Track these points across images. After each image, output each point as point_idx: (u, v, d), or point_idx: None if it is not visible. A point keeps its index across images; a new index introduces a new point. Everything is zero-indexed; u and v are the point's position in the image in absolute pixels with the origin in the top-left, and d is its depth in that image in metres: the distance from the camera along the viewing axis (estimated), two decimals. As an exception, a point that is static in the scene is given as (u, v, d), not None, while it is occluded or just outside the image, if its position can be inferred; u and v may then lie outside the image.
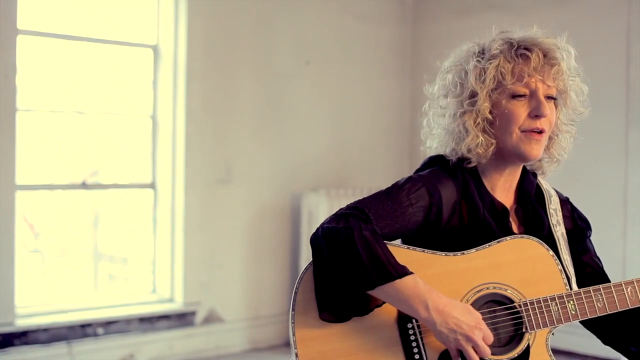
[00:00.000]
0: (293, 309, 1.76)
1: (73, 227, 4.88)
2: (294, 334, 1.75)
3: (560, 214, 1.99)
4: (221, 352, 5.01)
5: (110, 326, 4.62)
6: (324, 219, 1.79)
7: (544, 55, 1.82)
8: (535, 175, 2.00)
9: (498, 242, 1.80)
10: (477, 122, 1.82)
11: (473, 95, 1.82)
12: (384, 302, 1.74)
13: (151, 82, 4.98)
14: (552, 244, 1.90)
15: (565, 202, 2.04)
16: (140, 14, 4.94)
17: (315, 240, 1.74)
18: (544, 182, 2.04)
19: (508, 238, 1.81)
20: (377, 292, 1.69)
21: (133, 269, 5.12)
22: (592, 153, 5.08)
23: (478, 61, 1.83)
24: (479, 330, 1.67)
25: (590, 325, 2.01)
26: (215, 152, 5.02)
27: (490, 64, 1.80)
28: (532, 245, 1.81)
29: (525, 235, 1.82)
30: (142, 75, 4.99)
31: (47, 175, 4.70)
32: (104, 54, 4.86)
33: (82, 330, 4.52)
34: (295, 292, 1.77)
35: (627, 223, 4.85)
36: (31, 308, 4.49)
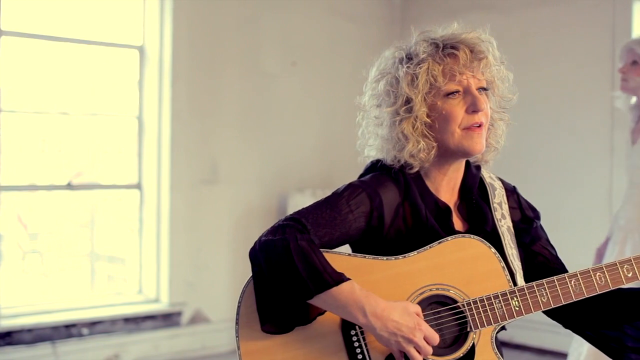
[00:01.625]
0: (237, 323, 1.76)
1: (61, 227, 4.90)
2: (239, 348, 1.75)
3: (505, 206, 1.98)
4: (207, 352, 5.02)
5: (95, 326, 4.64)
6: (262, 232, 1.80)
7: (471, 51, 1.82)
8: (478, 168, 1.99)
9: (439, 243, 1.80)
10: (416, 127, 1.82)
11: (408, 101, 1.82)
12: (326, 310, 1.74)
13: (137, 83, 5.00)
14: (496, 239, 1.90)
15: (512, 193, 2.02)
16: (126, 15, 4.96)
17: (254, 254, 1.74)
18: (487, 175, 2.02)
19: (449, 238, 1.80)
20: (315, 301, 1.69)
21: (119, 269, 5.14)
22: (578, 152, 5.08)
23: (408, 67, 1.82)
24: (419, 331, 1.67)
25: (551, 313, 2.02)
26: (201, 152, 5.03)
27: (420, 68, 1.80)
28: (473, 244, 1.80)
29: (466, 234, 1.82)
30: (128, 76, 5.01)
31: (31, 176, 4.72)
32: (89, 55, 4.88)
33: (67, 331, 4.54)
34: (239, 306, 1.77)
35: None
36: (15, 308, 4.51)
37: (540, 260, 1.98)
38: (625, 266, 1.83)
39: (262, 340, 1.74)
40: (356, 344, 1.74)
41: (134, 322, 4.79)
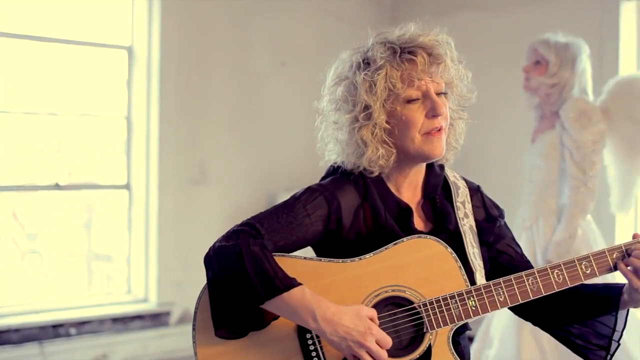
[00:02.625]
0: (194, 329, 1.78)
1: (55, 227, 4.91)
2: (196, 354, 1.76)
3: (469, 205, 1.98)
4: (195, 352, 5.03)
5: (83, 326, 4.66)
6: (217, 238, 1.80)
7: (429, 55, 1.82)
8: (442, 167, 1.99)
9: (395, 244, 1.80)
10: (375, 133, 1.82)
11: (366, 108, 1.81)
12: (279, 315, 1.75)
13: (126, 84, 5.01)
14: (459, 238, 1.90)
15: (475, 192, 2.02)
16: (115, 16, 4.97)
17: (208, 259, 1.75)
18: (451, 175, 2.02)
19: (405, 239, 1.80)
20: (268, 306, 1.70)
21: (109, 269, 5.15)
22: (565, 152, 5.07)
23: (365, 74, 1.81)
24: (370, 335, 1.67)
25: (518, 311, 2.03)
26: (189, 152, 5.04)
27: (379, 75, 1.79)
28: (429, 244, 1.80)
29: (422, 235, 1.82)
30: (117, 76, 5.02)
31: (18, 177, 4.74)
32: (78, 56, 4.89)
33: (54, 331, 4.55)
34: (195, 312, 1.79)
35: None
36: (3, 308, 4.53)
37: (505, 258, 1.99)
38: (584, 263, 1.83)
39: (219, 346, 1.75)
40: (312, 347, 1.75)
41: (122, 322, 4.80)
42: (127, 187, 5.02)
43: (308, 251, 1.94)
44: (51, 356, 4.50)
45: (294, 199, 1.86)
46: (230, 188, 5.20)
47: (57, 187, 4.78)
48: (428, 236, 1.82)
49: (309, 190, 1.88)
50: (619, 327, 1.91)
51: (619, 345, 1.94)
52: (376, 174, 1.87)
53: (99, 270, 5.16)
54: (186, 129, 5.01)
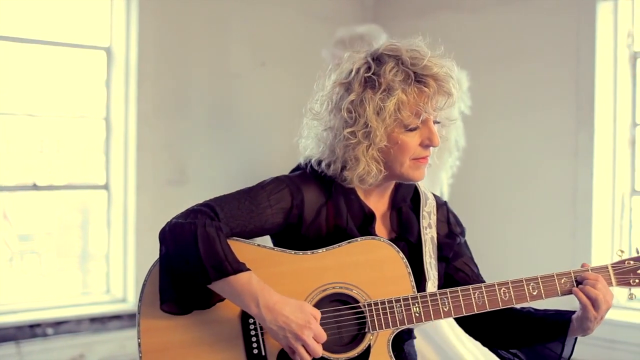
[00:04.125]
0: (140, 301, 1.80)
1: (25, 227, 4.91)
2: (139, 324, 1.79)
3: (434, 217, 2.02)
4: (174, 352, 5.02)
5: (60, 326, 4.65)
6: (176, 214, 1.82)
7: (439, 87, 1.83)
8: None
9: (348, 242, 1.82)
10: (370, 152, 1.84)
11: (368, 126, 1.82)
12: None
13: (104, 84, 5.01)
14: (419, 247, 1.93)
15: (441, 206, 2.07)
16: (94, 16, 4.97)
17: (163, 234, 1.79)
18: (422, 185, 2.06)
19: (359, 239, 1.83)
20: (214, 287, 1.73)
21: (87, 268, 5.15)
22: (542, 153, 5.09)
23: (375, 93, 1.81)
24: (308, 330, 1.69)
25: (468, 328, 2.04)
26: (168, 152, 5.04)
27: (390, 101, 1.80)
28: (382, 247, 1.83)
29: (376, 237, 1.84)
30: (96, 77, 5.02)
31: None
32: (56, 57, 4.89)
33: (31, 331, 4.55)
34: (144, 284, 1.81)
35: (576, 223, 4.86)
36: (-21, 308, 4.53)
37: (461, 276, 2.03)
38: (532, 284, 1.85)
39: (163, 320, 1.78)
40: (253, 333, 1.78)
41: (100, 322, 4.80)
42: (105, 187, 5.02)
43: (266, 240, 1.96)
44: (28, 356, 4.50)
45: (260, 186, 1.89)
46: (209, 188, 5.18)
47: (35, 187, 4.78)
48: (382, 239, 1.85)
49: (276, 180, 1.91)
50: (565, 354, 1.93)
51: None
52: (355, 185, 1.89)
53: (84, 270, 5.15)
54: (165, 130, 5.01)
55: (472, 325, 2.03)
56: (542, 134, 5.09)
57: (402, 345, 1.94)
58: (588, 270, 1.87)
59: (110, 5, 4.96)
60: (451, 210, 2.08)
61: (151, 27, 4.91)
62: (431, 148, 1.89)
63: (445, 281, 2.02)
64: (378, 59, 1.87)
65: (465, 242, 2.07)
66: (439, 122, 1.90)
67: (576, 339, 1.94)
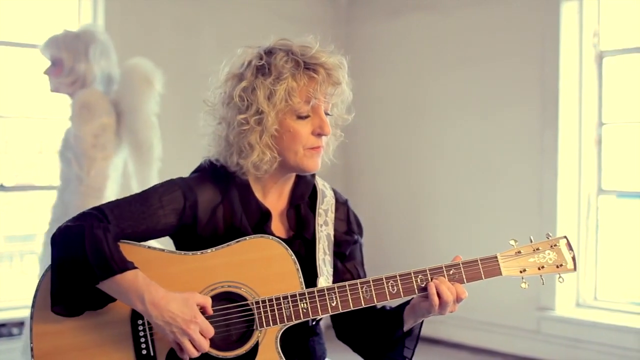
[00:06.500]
0: (33, 306, 1.82)
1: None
2: (31, 329, 1.80)
3: (331, 215, 2.03)
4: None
5: (25, 326, 4.67)
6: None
7: (329, 76, 1.87)
8: (313, 175, 2.05)
9: (238, 241, 1.84)
10: (263, 138, 1.87)
11: (260, 113, 1.86)
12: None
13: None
14: (313, 244, 1.94)
15: (342, 205, 2.09)
16: (61, 18, 4.99)
17: (53, 238, 1.80)
18: (321, 183, 2.08)
19: (248, 238, 1.85)
20: (102, 287, 1.74)
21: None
22: (508, 152, 5.11)
23: (266, 79, 1.85)
24: (194, 324, 1.71)
25: (341, 334, 2.09)
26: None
27: (280, 85, 1.84)
28: (271, 245, 1.84)
29: (265, 235, 1.86)
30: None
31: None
32: (24, 58, 4.92)
33: (-3, 330, 4.59)
34: (37, 289, 1.82)
35: (542, 221, 4.86)
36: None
37: (347, 277, 2.04)
38: (420, 276, 1.87)
39: (55, 324, 1.79)
40: (142, 334, 1.79)
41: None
42: (74, 188, 5.04)
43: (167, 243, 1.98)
44: (-7, 356, 4.53)
45: (153, 189, 1.92)
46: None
47: (2, 188, 4.81)
48: (271, 237, 1.86)
49: (169, 182, 1.94)
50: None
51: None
52: (252, 176, 1.91)
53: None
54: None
55: (346, 328, 2.07)
56: (507, 133, 5.10)
57: (307, 341, 1.95)
58: (459, 264, 1.88)
59: (78, 7, 4.98)
60: (352, 209, 2.10)
61: (117, 30, 4.93)
62: (324, 138, 1.90)
63: (334, 282, 2.05)
64: (270, 51, 1.91)
65: (360, 245, 2.10)
66: (330, 115, 1.92)
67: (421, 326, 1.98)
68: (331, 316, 2.00)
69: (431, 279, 1.86)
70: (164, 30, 5.13)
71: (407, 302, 1.95)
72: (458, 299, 1.86)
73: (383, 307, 2.00)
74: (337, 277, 2.01)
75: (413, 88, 5.59)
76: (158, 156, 3.76)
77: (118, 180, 3.72)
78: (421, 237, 5.50)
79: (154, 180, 3.66)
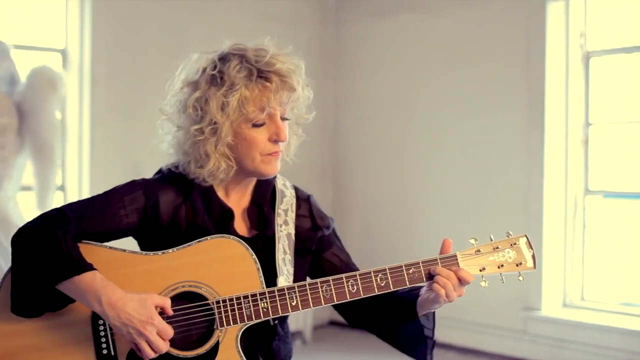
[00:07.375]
0: None
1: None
2: None
3: (292, 214, 2.04)
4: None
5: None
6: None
7: (283, 82, 1.87)
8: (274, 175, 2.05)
9: (199, 241, 1.85)
10: (218, 148, 1.88)
11: (214, 123, 1.86)
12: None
13: (60, 86, 5.04)
14: (273, 243, 1.95)
15: (304, 201, 2.09)
16: (50, 18, 5.00)
17: (13, 239, 1.81)
18: (281, 183, 2.09)
19: (209, 238, 1.85)
20: (61, 288, 1.75)
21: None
22: (495, 153, 5.11)
23: (218, 90, 1.86)
24: (151, 325, 1.71)
25: (340, 310, 2.10)
26: (123, 154, 5.07)
27: (233, 95, 1.84)
28: (231, 245, 1.85)
29: (225, 235, 1.87)
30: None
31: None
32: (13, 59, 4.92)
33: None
34: None
35: (529, 222, 4.86)
36: None
37: (329, 266, 2.07)
38: (379, 275, 1.87)
39: (17, 325, 1.79)
40: (102, 334, 1.80)
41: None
42: (62, 189, 5.05)
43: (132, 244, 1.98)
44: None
45: (115, 190, 1.93)
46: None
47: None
48: (231, 237, 1.87)
49: (131, 183, 1.95)
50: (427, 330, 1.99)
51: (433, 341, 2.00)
52: (210, 183, 1.93)
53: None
54: (120, 131, 5.04)
55: (351, 313, 2.09)
56: (494, 134, 5.11)
57: (271, 342, 1.96)
58: (419, 263, 1.90)
59: (65, 7, 4.99)
60: (315, 203, 2.10)
61: (104, 30, 4.94)
62: (281, 143, 1.91)
63: (315, 274, 2.06)
64: (224, 57, 1.91)
65: (333, 231, 2.11)
66: (288, 119, 1.92)
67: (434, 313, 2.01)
68: (337, 308, 2.03)
69: (390, 279, 1.87)
70: (150, 30, 5.14)
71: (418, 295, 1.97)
72: (463, 282, 1.88)
73: (394, 297, 2.00)
74: (319, 270, 2.03)
75: (401, 88, 5.60)
76: (59, 158, 3.78)
77: (19, 180, 3.72)
78: (410, 235, 5.51)
79: (54, 181, 3.79)
